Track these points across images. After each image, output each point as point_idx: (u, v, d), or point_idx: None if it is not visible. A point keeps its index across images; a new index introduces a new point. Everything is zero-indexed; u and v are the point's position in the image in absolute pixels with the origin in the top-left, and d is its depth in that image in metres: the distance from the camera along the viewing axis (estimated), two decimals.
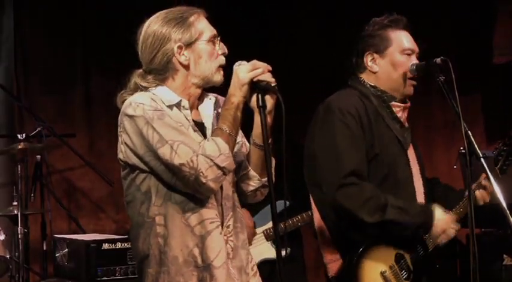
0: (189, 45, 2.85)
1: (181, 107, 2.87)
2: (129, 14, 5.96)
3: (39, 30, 5.79)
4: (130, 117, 2.78)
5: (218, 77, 2.88)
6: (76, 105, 5.90)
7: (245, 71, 2.76)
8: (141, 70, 2.93)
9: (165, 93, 2.87)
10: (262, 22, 6.45)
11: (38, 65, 5.80)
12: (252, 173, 2.94)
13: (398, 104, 3.44)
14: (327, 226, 3.41)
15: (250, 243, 4.99)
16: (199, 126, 2.89)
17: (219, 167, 2.72)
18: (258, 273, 3.02)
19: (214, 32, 2.89)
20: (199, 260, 2.81)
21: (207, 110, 2.95)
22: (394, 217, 3.23)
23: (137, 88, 2.90)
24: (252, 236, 5.01)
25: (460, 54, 5.67)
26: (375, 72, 3.42)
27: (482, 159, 3.14)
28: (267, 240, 5.04)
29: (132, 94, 2.88)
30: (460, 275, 5.63)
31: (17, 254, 4.52)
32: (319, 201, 3.41)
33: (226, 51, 2.89)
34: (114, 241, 4.69)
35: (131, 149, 2.81)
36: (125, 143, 2.82)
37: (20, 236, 4.49)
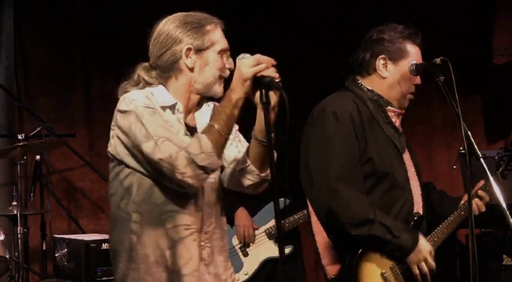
0: (198, 50, 2.87)
1: (176, 110, 2.89)
2: (129, 15, 5.98)
3: (39, 31, 5.79)
4: (123, 112, 2.81)
5: (219, 88, 2.89)
6: (76, 106, 5.90)
7: (248, 65, 2.70)
8: (147, 64, 2.96)
9: (162, 94, 2.88)
10: (262, 25, 6.47)
11: (38, 65, 5.80)
12: (251, 167, 2.91)
13: (394, 109, 3.43)
14: (325, 229, 3.40)
15: (252, 242, 5.01)
16: (192, 131, 2.90)
17: (198, 165, 2.71)
18: None
19: (227, 45, 2.90)
20: (169, 263, 2.83)
21: (203, 116, 2.96)
22: (379, 234, 3.22)
23: (140, 81, 2.93)
24: (251, 234, 5.01)
25: (460, 55, 5.67)
26: (383, 78, 3.41)
27: (482, 160, 3.14)
28: (269, 239, 5.05)
29: (134, 86, 2.91)
30: (460, 275, 5.64)
31: (16, 254, 4.51)
32: (313, 204, 3.41)
33: (232, 67, 2.86)
34: None
35: (120, 143, 2.84)
36: (116, 137, 2.85)
37: (19, 236, 4.48)
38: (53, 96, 5.83)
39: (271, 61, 2.73)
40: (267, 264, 5.06)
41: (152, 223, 2.84)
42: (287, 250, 5.06)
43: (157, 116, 2.80)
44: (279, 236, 2.79)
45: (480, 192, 3.54)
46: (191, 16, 2.93)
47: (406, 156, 3.48)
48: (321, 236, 3.41)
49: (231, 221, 5.05)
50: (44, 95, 5.80)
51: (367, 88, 3.43)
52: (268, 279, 5.07)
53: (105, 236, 4.90)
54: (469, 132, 3.16)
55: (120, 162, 2.87)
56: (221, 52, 2.89)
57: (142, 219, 2.84)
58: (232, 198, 5.07)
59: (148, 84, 2.91)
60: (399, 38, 3.40)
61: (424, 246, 3.32)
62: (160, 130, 2.77)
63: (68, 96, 5.88)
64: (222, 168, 2.98)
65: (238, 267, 4.98)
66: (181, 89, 2.91)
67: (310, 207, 3.45)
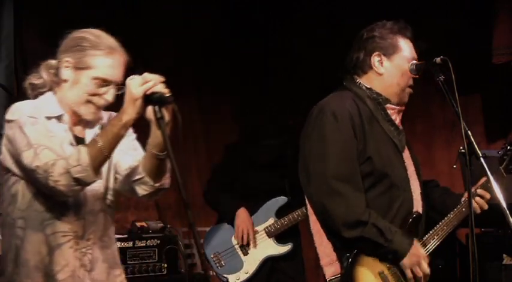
0: (75, 67, 2.93)
1: (62, 121, 2.96)
2: (129, 15, 5.97)
3: (39, 30, 5.78)
4: (9, 121, 2.91)
5: (85, 111, 2.96)
6: None
7: (137, 85, 2.76)
8: (52, 61, 3.05)
9: (49, 104, 2.97)
10: (262, 25, 6.47)
11: (38, 65, 5.78)
12: (146, 179, 2.99)
13: (393, 106, 3.44)
14: (322, 228, 3.40)
15: (254, 242, 5.02)
16: (80, 142, 2.97)
17: (72, 176, 2.78)
18: None
19: (110, 78, 2.92)
20: (47, 268, 2.93)
21: (92, 132, 3.03)
22: (370, 236, 3.23)
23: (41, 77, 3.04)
24: (252, 233, 5.01)
25: (460, 54, 5.67)
26: (380, 74, 3.42)
27: (481, 159, 3.15)
28: (269, 237, 5.05)
29: (38, 79, 3.03)
30: (459, 275, 5.64)
31: None
32: (311, 203, 3.41)
33: (109, 100, 2.93)
34: None
35: (7, 152, 2.93)
36: (3, 145, 2.94)
37: None
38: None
39: (159, 78, 2.79)
40: (267, 262, 5.06)
41: (34, 229, 2.93)
42: (286, 248, 5.06)
43: (40, 126, 2.88)
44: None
45: (480, 191, 3.54)
46: (95, 37, 2.98)
47: (406, 155, 3.49)
48: (318, 235, 3.41)
49: (231, 221, 5.05)
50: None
51: (365, 86, 3.44)
52: (268, 277, 5.07)
53: None
54: (469, 132, 3.17)
55: (7, 170, 2.96)
56: (97, 79, 2.92)
57: (26, 225, 2.94)
58: (233, 198, 5.08)
59: (37, 89, 3.03)
60: (389, 33, 3.43)
61: (418, 250, 3.32)
62: (41, 139, 2.85)
63: None
64: (115, 177, 3.07)
65: (238, 266, 4.99)
66: (64, 100, 2.98)
67: (308, 206, 3.46)
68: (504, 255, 5.14)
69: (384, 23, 3.47)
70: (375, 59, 3.42)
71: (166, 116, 2.75)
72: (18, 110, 2.92)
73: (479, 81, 6.10)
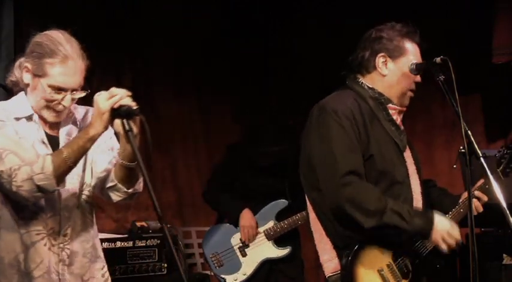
0: (34, 74, 2.99)
1: (33, 121, 3.02)
2: (129, 14, 5.97)
3: (39, 29, 5.77)
4: None
5: (46, 114, 3.02)
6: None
7: (104, 99, 2.83)
8: (22, 60, 3.09)
9: (20, 104, 3.04)
10: (262, 25, 6.47)
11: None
12: (119, 186, 3.06)
13: (395, 106, 3.44)
14: (323, 226, 3.40)
15: (251, 241, 5.02)
16: (53, 140, 3.04)
17: (34, 183, 2.86)
18: None
19: (65, 86, 2.98)
20: (22, 266, 3.00)
21: (66, 130, 3.09)
22: (391, 221, 3.23)
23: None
24: (254, 235, 5.02)
25: (460, 54, 5.68)
26: (383, 75, 3.42)
27: (481, 159, 3.14)
28: (268, 240, 5.06)
29: (14, 77, 3.07)
30: (459, 275, 5.63)
31: None
32: (317, 203, 3.40)
33: (66, 106, 3.01)
34: (113, 240, 4.71)
35: None
36: None
37: None
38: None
39: (126, 92, 2.85)
40: (265, 265, 5.06)
41: (8, 228, 3.01)
42: (285, 251, 5.07)
43: (7, 129, 2.96)
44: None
45: (477, 193, 3.54)
46: (52, 43, 3.01)
47: (407, 154, 3.49)
48: (319, 234, 3.42)
49: (235, 222, 5.06)
50: None
51: (367, 86, 3.44)
52: (267, 278, 5.07)
53: (105, 235, 4.87)
54: (469, 131, 3.16)
55: None
56: (52, 87, 2.98)
57: (1, 224, 3.01)
58: (233, 198, 5.09)
59: (15, 87, 3.09)
60: (397, 36, 3.42)
61: (441, 223, 3.32)
62: (8, 143, 2.93)
63: None
64: (93, 175, 3.14)
65: (236, 267, 4.99)
66: (32, 100, 3.04)
67: (308, 204, 3.46)
68: (504, 255, 5.14)
69: (393, 25, 3.46)
70: (379, 60, 3.42)
71: (135, 127, 2.82)
72: None
73: (479, 81, 6.10)
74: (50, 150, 3.02)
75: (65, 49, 3.00)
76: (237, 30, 6.37)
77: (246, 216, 5.02)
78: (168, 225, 5.11)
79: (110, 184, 3.08)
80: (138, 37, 6.09)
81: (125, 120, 2.80)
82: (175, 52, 6.30)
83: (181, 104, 6.41)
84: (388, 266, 3.34)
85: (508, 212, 3.11)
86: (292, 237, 5.11)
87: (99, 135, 2.89)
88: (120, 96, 2.83)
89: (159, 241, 4.82)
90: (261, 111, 5.58)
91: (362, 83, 3.46)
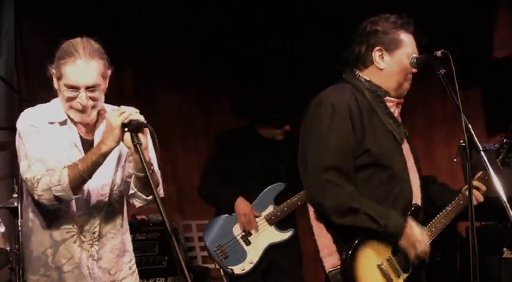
0: (57, 78, 3.16)
1: (67, 125, 3.18)
2: (129, 14, 5.99)
3: (39, 24, 5.79)
4: (17, 129, 3.21)
5: (72, 115, 3.17)
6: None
7: (115, 116, 3.01)
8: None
9: (54, 108, 3.21)
10: (262, 25, 6.49)
11: (38, 58, 5.79)
12: (138, 193, 3.24)
13: (392, 99, 3.44)
14: (322, 221, 3.39)
15: (255, 228, 5.01)
16: (88, 144, 3.19)
17: (52, 194, 3.06)
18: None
19: (77, 84, 3.10)
20: (49, 260, 3.21)
21: (100, 132, 3.19)
22: (363, 224, 3.25)
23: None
24: (252, 220, 5.00)
25: (461, 48, 5.68)
26: (381, 69, 3.42)
27: (482, 153, 3.14)
28: (270, 225, 5.05)
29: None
30: (459, 268, 5.64)
31: (17, 246, 4.50)
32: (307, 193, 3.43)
33: (82, 103, 3.10)
34: None
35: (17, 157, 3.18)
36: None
37: (20, 228, 4.46)
38: (53, 89, 5.83)
39: (134, 109, 3.06)
40: (269, 250, 5.05)
41: (41, 224, 3.23)
42: (289, 234, 5.07)
43: (39, 135, 3.14)
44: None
45: (476, 183, 3.54)
46: (68, 46, 3.17)
47: (405, 147, 3.49)
48: (318, 227, 3.42)
49: (231, 211, 5.05)
50: (44, 88, 5.79)
51: (364, 79, 3.44)
52: (270, 264, 5.06)
53: None
54: (469, 125, 3.17)
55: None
56: (67, 87, 3.11)
57: (35, 218, 3.24)
58: (230, 188, 5.08)
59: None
60: (392, 28, 3.42)
61: (413, 229, 3.31)
62: (37, 150, 3.12)
63: None
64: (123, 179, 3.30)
65: (242, 256, 4.97)
66: (62, 103, 3.20)
67: (308, 204, 3.47)
68: (504, 249, 5.15)
69: (387, 17, 3.46)
70: (376, 54, 3.42)
71: (144, 139, 3.00)
72: (21, 119, 3.21)
73: (479, 75, 6.11)
74: (82, 154, 3.17)
75: (76, 50, 3.13)
76: (237, 30, 6.38)
77: (241, 204, 5.01)
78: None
79: (131, 192, 3.25)
80: (138, 37, 6.10)
81: (133, 134, 2.98)
82: (175, 52, 6.32)
83: (181, 104, 6.42)
84: (388, 260, 3.34)
85: (508, 205, 3.12)
86: (291, 220, 5.11)
87: (111, 150, 3.05)
88: (129, 112, 3.00)
89: (159, 234, 4.83)
90: (261, 111, 5.57)
91: (359, 76, 3.46)
